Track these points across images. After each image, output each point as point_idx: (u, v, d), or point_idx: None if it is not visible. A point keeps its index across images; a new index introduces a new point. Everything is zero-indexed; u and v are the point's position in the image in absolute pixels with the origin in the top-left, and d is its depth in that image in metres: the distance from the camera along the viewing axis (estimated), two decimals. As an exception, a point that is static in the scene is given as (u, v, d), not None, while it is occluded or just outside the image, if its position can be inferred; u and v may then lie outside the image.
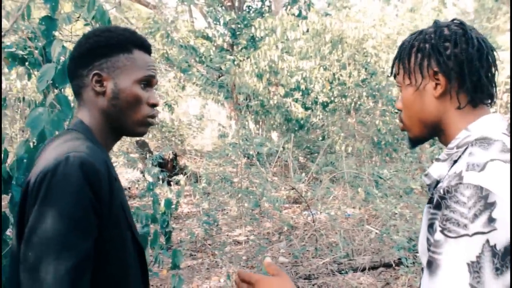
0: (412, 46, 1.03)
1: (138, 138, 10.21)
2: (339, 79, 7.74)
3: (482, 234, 0.78)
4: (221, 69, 8.97)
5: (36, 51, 1.89)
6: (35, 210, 0.93)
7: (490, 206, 0.79)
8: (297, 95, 7.90)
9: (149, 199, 6.30)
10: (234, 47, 10.09)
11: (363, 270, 4.44)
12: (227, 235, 5.93)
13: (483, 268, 0.77)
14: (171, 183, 7.40)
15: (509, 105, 8.89)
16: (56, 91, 1.85)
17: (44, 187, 0.93)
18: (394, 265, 4.48)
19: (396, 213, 5.24)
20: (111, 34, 1.13)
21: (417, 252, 3.99)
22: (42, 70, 1.62)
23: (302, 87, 7.56)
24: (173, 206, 3.34)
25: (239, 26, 9.98)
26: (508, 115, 8.56)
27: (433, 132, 1.05)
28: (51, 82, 1.79)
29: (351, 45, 7.51)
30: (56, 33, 2.04)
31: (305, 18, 7.78)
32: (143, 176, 6.63)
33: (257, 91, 7.96)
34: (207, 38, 10.38)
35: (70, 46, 4.03)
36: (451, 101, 0.99)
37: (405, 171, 6.00)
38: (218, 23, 10.54)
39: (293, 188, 5.86)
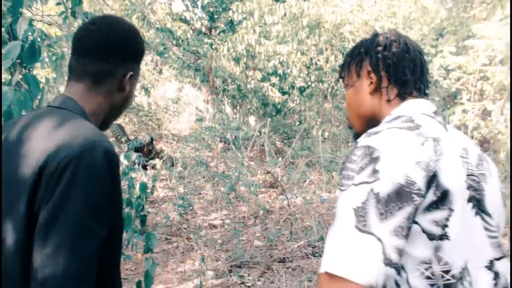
0: (352, 52, 1.20)
1: (115, 122, 10.10)
2: (316, 64, 7.75)
3: (366, 183, 0.88)
4: (198, 52, 8.89)
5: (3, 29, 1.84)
6: (58, 194, 0.92)
7: (374, 160, 0.90)
8: (274, 79, 7.90)
9: (125, 183, 6.26)
10: (212, 30, 10.00)
11: (337, 253, 4.50)
12: (203, 219, 5.93)
13: (368, 213, 0.86)
14: (147, 167, 7.35)
15: (483, 93, 9.02)
16: (24, 70, 1.81)
17: (70, 172, 0.92)
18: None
19: (370, 197, 5.30)
20: (142, 41, 1.21)
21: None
22: (7, 47, 1.57)
23: (279, 71, 7.55)
24: (148, 190, 3.32)
25: (217, 9, 9.88)
26: (478, 103, 8.71)
27: (370, 125, 1.14)
28: (19, 61, 1.75)
29: (329, 30, 7.51)
30: (25, 11, 1.98)
31: (283, 1, 7.74)
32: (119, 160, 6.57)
33: (234, 75, 7.92)
34: (184, 21, 10.25)
35: (43, 26, 3.93)
36: (382, 96, 1.13)
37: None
38: (196, 6, 10.41)
39: (268, 172, 5.88)
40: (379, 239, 0.85)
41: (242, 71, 7.92)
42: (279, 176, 6.25)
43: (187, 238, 5.12)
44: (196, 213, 6.02)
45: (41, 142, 0.99)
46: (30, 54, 1.72)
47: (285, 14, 7.41)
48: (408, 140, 0.94)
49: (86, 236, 0.92)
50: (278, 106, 8.17)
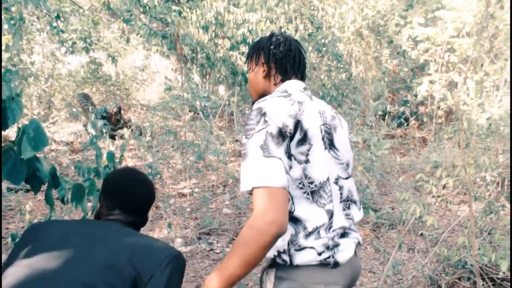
0: (254, 46, 1.70)
1: (80, 91, 9.88)
2: (285, 32, 7.70)
3: (263, 129, 1.35)
4: (166, 20, 8.70)
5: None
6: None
7: (264, 114, 1.38)
8: (244, 48, 7.82)
9: (92, 153, 6.18)
10: (180, -3, 9.78)
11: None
12: (172, 188, 5.94)
13: (269, 146, 1.33)
14: (115, 137, 7.27)
15: (450, 64, 9.17)
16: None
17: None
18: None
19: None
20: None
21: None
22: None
23: (249, 40, 7.47)
24: (117, 160, 3.29)
25: (185, -25, 9.65)
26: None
27: (263, 97, 1.58)
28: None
29: (298, -2, 7.46)
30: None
31: (252, -31, 7.60)
32: (86, 129, 6.46)
33: (202, 43, 7.82)
34: (151, -13, 9.99)
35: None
36: (271, 80, 1.67)
37: (349, 124, 6.13)
38: (163, -28, 10.15)
39: (237, 141, 5.89)
40: (280, 158, 1.33)
41: (211, 39, 7.81)
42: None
43: (156, 207, 5.13)
44: (165, 182, 6.02)
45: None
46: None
47: (254, -19, 7.31)
48: (282, 102, 1.44)
49: None
50: (247, 75, 8.13)
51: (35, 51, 9.65)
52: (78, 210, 4.27)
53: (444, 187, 5.58)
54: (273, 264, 1.48)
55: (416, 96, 9.02)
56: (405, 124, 9.77)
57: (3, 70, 1.74)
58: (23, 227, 4.40)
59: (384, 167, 6.56)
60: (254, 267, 1.32)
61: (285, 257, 1.42)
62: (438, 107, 9.17)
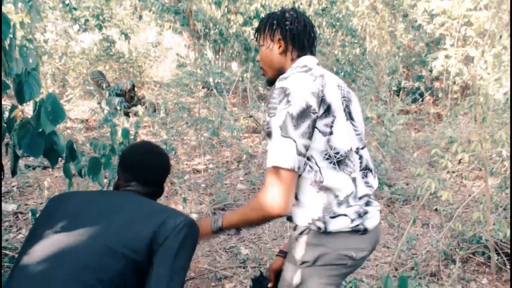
0: (266, 22, 1.69)
1: (94, 69, 9.90)
2: (299, 7, 7.61)
3: (284, 109, 1.41)
4: (178, -5, 8.64)
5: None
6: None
7: (287, 95, 1.43)
8: (256, 23, 7.75)
9: (107, 130, 6.22)
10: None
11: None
12: (186, 164, 5.98)
13: (287, 126, 1.40)
14: (130, 114, 7.30)
15: (466, 38, 8.99)
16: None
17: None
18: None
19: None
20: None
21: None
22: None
23: (262, 15, 7.40)
24: (131, 137, 3.31)
25: (197, -50, 9.53)
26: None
27: (278, 73, 1.68)
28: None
29: (311, -29, 7.34)
30: None
31: None
32: (100, 107, 6.50)
33: (215, 19, 7.76)
34: (163, -38, 9.91)
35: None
36: (287, 56, 1.67)
37: (362, 99, 6.08)
38: None
39: (251, 117, 5.89)
40: (294, 140, 1.41)
41: (224, 14, 7.76)
42: (262, 120, 6.28)
43: (170, 183, 5.18)
44: (180, 158, 6.06)
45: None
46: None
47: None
48: (305, 79, 1.48)
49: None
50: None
51: (48, 29, 9.66)
52: (94, 185, 4.34)
53: (459, 162, 5.55)
54: (305, 231, 1.55)
55: (431, 71, 8.89)
56: (420, 100, 9.66)
57: (17, 48, 1.75)
58: (42, 203, 4.48)
59: (399, 142, 6.53)
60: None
61: (320, 224, 1.50)
62: (454, 82, 9.04)
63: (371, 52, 9.30)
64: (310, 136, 1.44)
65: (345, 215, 1.50)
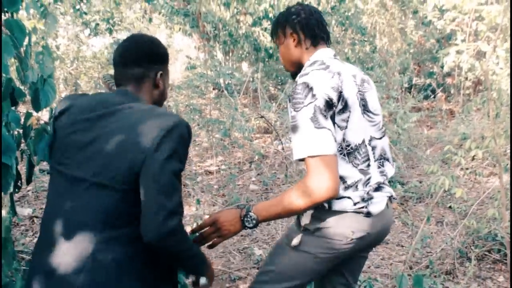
0: (276, 22, 1.82)
1: (106, 73, 9.97)
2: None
3: (311, 102, 1.51)
4: (187, -2, 8.69)
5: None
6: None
7: (311, 89, 1.52)
8: (266, 23, 7.76)
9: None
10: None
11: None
12: (199, 166, 6.00)
13: (317, 118, 1.50)
14: (141, 116, 7.34)
15: (478, 33, 8.91)
16: (7, 15, 1.76)
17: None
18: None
19: (364, 140, 5.35)
20: (163, 46, 1.59)
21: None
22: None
23: (270, 15, 7.41)
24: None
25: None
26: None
27: (298, 67, 1.80)
28: None
29: (320, -30, 7.33)
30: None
31: None
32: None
33: (224, 20, 7.78)
34: (172, -35, 9.95)
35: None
36: (302, 47, 1.76)
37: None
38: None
39: (262, 117, 5.90)
40: (329, 129, 1.51)
41: (233, 16, 7.78)
42: (273, 121, 6.28)
43: (183, 185, 5.20)
44: (192, 160, 6.09)
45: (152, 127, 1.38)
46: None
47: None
48: (324, 75, 1.57)
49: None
50: (270, 51, 8.07)
51: (59, 34, 9.76)
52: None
53: (473, 159, 5.50)
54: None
55: (442, 67, 8.82)
56: (432, 96, 9.60)
57: (33, 53, 1.77)
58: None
59: (411, 140, 6.49)
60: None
61: (325, 203, 1.62)
62: (466, 78, 8.96)
63: (382, 50, 9.27)
64: (334, 125, 1.56)
65: (348, 197, 1.61)
